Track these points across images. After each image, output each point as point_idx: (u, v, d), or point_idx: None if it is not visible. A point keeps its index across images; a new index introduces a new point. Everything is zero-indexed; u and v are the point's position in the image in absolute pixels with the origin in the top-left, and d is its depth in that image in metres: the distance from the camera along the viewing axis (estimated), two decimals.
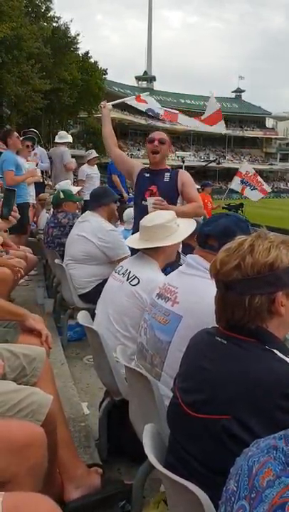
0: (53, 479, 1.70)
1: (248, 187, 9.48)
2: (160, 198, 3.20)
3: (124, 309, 2.21)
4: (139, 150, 69.51)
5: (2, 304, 1.98)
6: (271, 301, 1.14)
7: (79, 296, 3.66)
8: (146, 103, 4.16)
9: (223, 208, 16.03)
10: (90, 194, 4.02)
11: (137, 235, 2.43)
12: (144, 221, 2.32)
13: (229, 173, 78.77)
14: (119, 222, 4.98)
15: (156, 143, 3.43)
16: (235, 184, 9.66)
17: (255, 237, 1.19)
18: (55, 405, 1.54)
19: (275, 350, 1.10)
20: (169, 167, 3.59)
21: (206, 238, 1.79)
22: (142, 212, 3.07)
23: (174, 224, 2.31)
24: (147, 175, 3.51)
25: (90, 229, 3.60)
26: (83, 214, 4.01)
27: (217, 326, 1.24)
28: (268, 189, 10.26)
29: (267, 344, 1.12)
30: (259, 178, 9.65)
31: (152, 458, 1.16)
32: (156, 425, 1.37)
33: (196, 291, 1.68)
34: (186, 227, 2.36)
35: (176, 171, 3.53)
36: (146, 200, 3.27)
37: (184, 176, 3.47)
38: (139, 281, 2.20)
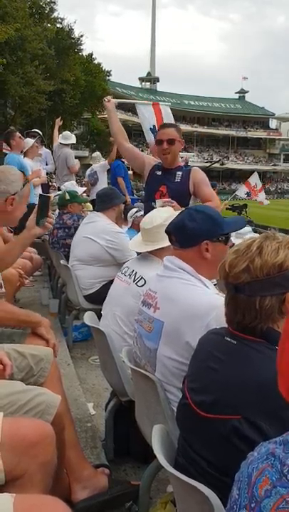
0: (61, 480, 1.70)
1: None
2: (169, 200, 3.06)
3: (131, 310, 2.21)
4: (143, 151, 69.11)
5: (16, 311, 1.97)
6: (281, 302, 1.14)
7: (84, 297, 3.66)
8: (161, 119, 4.06)
9: (227, 208, 16.01)
10: (98, 194, 3.95)
11: (139, 237, 2.42)
12: (144, 223, 2.31)
13: (233, 174, 79.10)
14: (123, 224, 4.98)
15: (165, 145, 3.25)
16: (240, 192, 9.71)
17: (264, 238, 1.19)
18: (62, 406, 1.54)
19: None
20: (182, 164, 3.42)
21: (169, 235, 1.78)
22: None
23: None
24: (159, 173, 3.35)
25: (97, 230, 3.60)
26: (89, 215, 4.01)
27: (226, 326, 1.24)
28: (266, 202, 10.33)
29: (276, 345, 1.12)
30: (262, 192, 9.71)
31: (162, 458, 1.16)
32: (165, 425, 1.37)
33: (173, 295, 1.64)
34: None
35: (189, 170, 3.33)
36: (155, 202, 3.17)
37: (197, 175, 3.29)
38: (145, 282, 2.20)
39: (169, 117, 4.24)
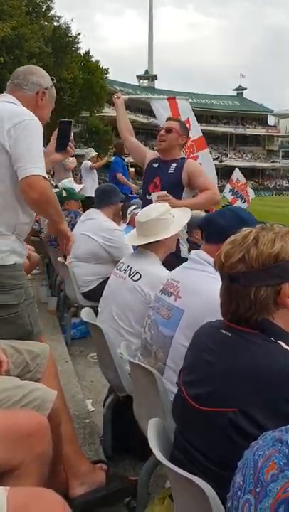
0: (58, 475, 1.70)
1: (239, 199, 9.41)
2: (164, 192, 3.05)
3: (127, 305, 2.21)
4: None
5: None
6: (277, 293, 1.13)
7: (82, 294, 3.66)
8: (178, 114, 4.05)
9: (223, 206, 15.96)
10: (97, 191, 3.97)
11: (135, 231, 2.42)
12: (139, 217, 2.32)
13: (231, 172, 78.42)
14: (122, 221, 4.98)
15: (162, 131, 3.31)
16: (226, 192, 9.62)
17: (260, 229, 1.19)
18: (59, 401, 1.54)
19: (280, 343, 1.10)
20: (179, 158, 3.38)
21: (201, 230, 1.85)
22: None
23: (169, 215, 2.30)
24: (155, 165, 3.36)
25: (94, 228, 3.59)
26: (86, 212, 4.00)
27: (222, 319, 1.23)
28: (252, 196, 10.25)
29: (272, 336, 1.12)
30: (248, 188, 9.59)
31: (157, 452, 1.15)
32: (161, 420, 1.37)
33: (197, 286, 1.69)
34: (182, 218, 2.36)
35: (184, 161, 3.31)
36: (150, 194, 3.17)
37: (190, 166, 3.28)
38: (140, 277, 2.20)
39: (186, 110, 4.21)
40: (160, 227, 2.25)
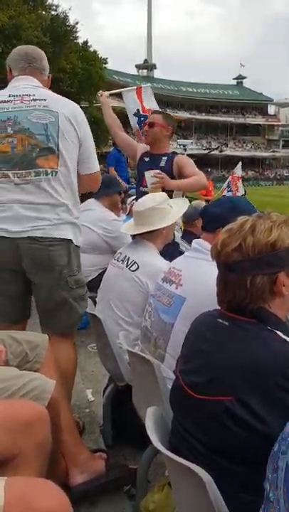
0: (57, 464, 1.71)
1: (227, 188, 9.39)
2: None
3: (125, 295, 2.21)
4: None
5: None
6: (273, 282, 1.13)
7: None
8: (142, 101, 4.01)
9: (224, 196, 15.94)
10: None
11: (132, 221, 2.42)
12: (136, 206, 2.32)
13: (232, 161, 78.51)
14: (121, 212, 4.97)
15: (146, 127, 3.39)
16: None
17: (257, 217, 1.18)
18: (57, 391, 1.54)
19: (277, 331, 1.10)
20: (170, 152, 3.44)
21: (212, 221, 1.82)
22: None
23: (167, 205, 2.30)
24: (147, 159, 3.40)
25: (93, 219, 3.59)
26: (85, 202, 3.99)
27: (219, 308, 1.23)
28: (242, 192, 10.22)
29: (269, 325, 1.12)
30: (240, 183, 9.54)
31: (155, 440, 1.16)
32: (160, 408, 1.37)
33: (199, 274, 1.70)
34: (179, 207, 2.36)
35: (173, 156, 3.37)
36: (144, 187, 3.18)
37: (181, 159, 3.36)
38: (138, 267, 2.20)
39: (148, 97, 4.17)
40: (157, 216, 2.24)
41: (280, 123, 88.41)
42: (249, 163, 78.74)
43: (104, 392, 2.38)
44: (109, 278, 2.39)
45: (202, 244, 1.80)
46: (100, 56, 36.17)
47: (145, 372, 1.65)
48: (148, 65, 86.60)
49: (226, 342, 1.14)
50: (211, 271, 1.26)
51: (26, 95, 1.99)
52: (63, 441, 1.73)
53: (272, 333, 1.09)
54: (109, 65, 40.38)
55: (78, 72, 31.38)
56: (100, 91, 3.87)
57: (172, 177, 3.23)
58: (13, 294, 2.00)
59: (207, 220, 1.86)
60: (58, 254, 1.95)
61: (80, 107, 2.31)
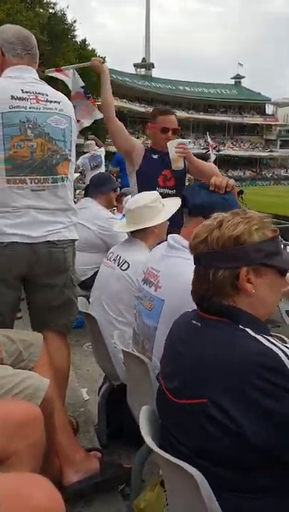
0: (52, 463, 1.71)
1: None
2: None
3: (117, 295, 2.20)
4: (138, 138, 68.87)
5: None
6: (235, 277, 1.13)
7: (78, 283, 3.65)
8: (68, 77, 3.57)
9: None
10: (90, 180, 4.04)
11: (124, 220, 2.41)
12: (128, 204, 2.30)
13: (230, 161, 78.74)
14: (116, 210, 4.97)
15: (170, 134, 3.12)
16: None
17: (231, 213, 1.19)
18: (51, 390, 1.54)
19: (247, 329, 1.09)
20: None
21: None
22: None
23: (159, 203, 2.29)
24: (155, 156, 3.13)
25: (89, 216, 3.59)
26: (81, 200, 4.00)
27: (196, 308, 1.23)
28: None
29: (241, 323, 1.11)
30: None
31: (148, 439, 1.16)
32: (153, 407, 1.37)
33: (175, 273, 1.65)
34: (172, 206, 2.31)
35: None
36: (160, 187, 3.02)
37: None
38: (129, 266, 2.20)
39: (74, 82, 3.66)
40: (149, 215, 2.23)
41: (277, 123, 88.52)
42: (247, 163, 78.88)
43: (99, 391, 2.38)
44: (101, 278, 2.38)
45: (178, 241, 1.73)
46: (98, 55, 36.13)
47: (139, 371, 1.65)
48: (146, 64, 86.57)
49: (197, 343, 1.13)
50: (187, 269, 1.25)
51: (40, 94, 1.94)
52: (57, 440, 1.72)
53: (242, 332, 1.08)
54: (108, 64, 40.30)
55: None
56: (94, 58, 3.34)
57: (185, 172, 3.11)
58: (15, 301, 2.00)
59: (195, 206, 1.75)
60: (69, 255, 2.03)
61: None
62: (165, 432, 1.20)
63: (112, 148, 8.31)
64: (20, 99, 1.87)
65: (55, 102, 1.97)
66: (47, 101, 1.94)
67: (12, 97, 1.85)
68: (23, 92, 1.89)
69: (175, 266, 1.67)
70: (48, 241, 1.92)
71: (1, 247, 1.83)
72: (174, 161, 2.91)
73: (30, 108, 1.88)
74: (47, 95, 1.95)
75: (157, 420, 1.32)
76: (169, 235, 1.80)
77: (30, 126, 1.86)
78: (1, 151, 1.81)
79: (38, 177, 1.88)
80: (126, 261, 2.22)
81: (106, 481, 1.86)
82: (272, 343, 1.05)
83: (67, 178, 1.98)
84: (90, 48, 35.51)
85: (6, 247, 1.83)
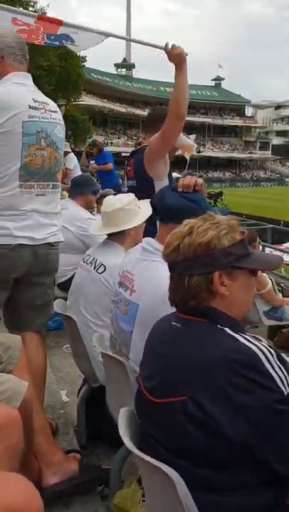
0: (30, 466, 1.71)
1: None
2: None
3: (93, 298, 2.20)
4: (119, 138, 69.03)
5: None
6: (210, 281, 1.16)
7: (58, 284, 3.63)
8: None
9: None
10: (72, 181, 4.08)
11: (100, 222, 2.41)
12: (104, 206, 2.31)
13: (209, 162, 79.24)
14: (96, 211, 4.97)
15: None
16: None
17: (200, 219, 1.21)
18: (30, 392, 1.54)
19: (226, 329, 1.12)
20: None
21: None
22: None
23: (135, 206, 2.30)
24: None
25: (68, 218, 3.57)
26: (61, 201, 3.99)
27: (175, 311, 1.25)
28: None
29: (219, 323, 1.14)
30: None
31: (127, 440, 1.17)
32: (132, 409, 1.38)
33: (150, 277, 1.66)
34: (148, 208, 2.32)
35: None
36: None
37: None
38: (105, 269, 2.20)
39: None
40: (125, 217, 2.24)
41: (257, 125, 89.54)
42: (226, 164, 79.45)
43: (78, 393, 2.38)
44: (77, 281, 2.38)
45: (152, 244, 1.74)
46: (78, 54, 35.94)
47: (118, 373, 1.66)
48: (127, 64, 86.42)
49: (177, 344, 1.16)
50: (161, 273, 1.27)
51: (45, 104, 2.03)
52: (36, 442, 1.72)
53: (220, 331, 1.11)
54: (88, 64, 40.16)
55: (56, 70, 31.06)
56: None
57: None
58: (3, 301, 2.06)
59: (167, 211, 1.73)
60: (58, 256, 2.16)
61: (58, 105, 2.33)
62: (144, 433, 1.22)
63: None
64: (34, 108, 1.96)
65: (55, 111, 2.07)
66: (50, 111, 2.03)
67: (29, 107, 1.93)
68: (34, 102, 1.97)
69: (149, 270, 1.68)
70: (48, 243, 2.02)
71: (8, 249, 1.90)
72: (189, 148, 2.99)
73: (42, 118, 1.98)
74: (48, 104, 2.04)
75: (136, 421, 1.34)
76: (144, 239, 1.82)
77: (44, 136, 1.97)
78: (18, 158, 1.90)
79: (42, 183, 2.00)
80: (102, 264, 2.22)
81: (85, 482, 1.86)
82: (248, 340, 1.08)
83: (59, 184, 2.12)
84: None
85: (14, 249, 1.91)
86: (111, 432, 2.10)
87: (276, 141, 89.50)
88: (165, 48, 2.59)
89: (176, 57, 2.59)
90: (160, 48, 2.64)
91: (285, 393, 1.03)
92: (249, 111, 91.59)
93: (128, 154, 3.44)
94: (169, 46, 2.57)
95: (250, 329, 4.20)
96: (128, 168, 3.16)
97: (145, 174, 2.82)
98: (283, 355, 2.10)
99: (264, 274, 3.99)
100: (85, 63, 37.71)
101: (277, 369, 1.04)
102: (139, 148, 3.05)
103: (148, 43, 2.80)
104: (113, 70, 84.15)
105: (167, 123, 2.65)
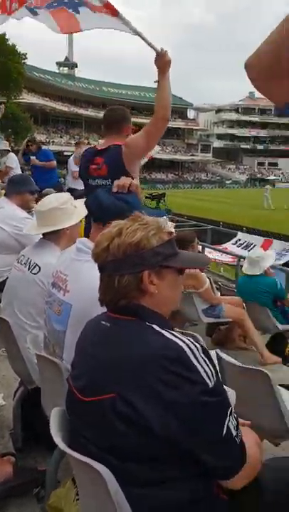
0: None
1: None
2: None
3: (28, 299, 2.18)
4: (61, 137, 68.08)
5: None
6: (139, 280, 1.19)
7: None
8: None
9: (146, 197, 16.28)
10: (9, 180, 3.97)
11: (35, 222, 2.38)
12: (39, 206, 2.30)
13: (153, 164, 79.68)
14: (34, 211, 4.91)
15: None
16: None
17: (129, 220, 1.24)
18: None
19: (154, 326, 1.15)
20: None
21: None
22: None
23: (70, 205, 2.29)
24: None
25: (3, 217, 3.50)
26: None
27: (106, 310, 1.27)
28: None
29: (148, 320, 1.17)
30: None
31: (58, 439, 1.18)
32: (65, 409, 1.38)
33: (83, 278, 1.66)
34: (84, 207, 2.34)
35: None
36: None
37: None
38: (40, 269, 2.18)
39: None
40: (61, 217, 2.23)
41: (198, 127, 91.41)
42: (169, 166, 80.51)
43: (15, 395, 2.34)
44: (11, 282, 2.33)
45: (86, 244, 1.74)
46: (18, 51, 35.09)
47: (52, 374, 1.66)
48: (69, 63, 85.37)
49: (107, 343, 1.18)
50: (94, 273, 1.28)
51: None
52: None
53: (148, 328, 1.14)
54: (29, 61, 39.28)
55: None
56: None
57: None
58: None
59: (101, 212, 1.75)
60: None
61: None
62: (75, 432, 1.22)
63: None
64: None
65: None
66: None
67: None
68: None
69: (83, 270, 1.68)
70: None
71: None
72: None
73: None
74: None
75: (69, 421, 1.34)
76: (78, 239, 1.83)
77: None
78: None
79: None
80: (37, 264, 2.20)
81: (20, 484, 1.85)
82: (176, 336, 1.12)
83: None
84: (10, 43, 34.32)
85: None
86: (47, 433, 2.10)
87: (217, 143, 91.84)
88: (160, 52, 2.82)
89: (166, 63, 2.83)
90: (156, 49, 2.87)
91: (210, 385, 1.06)
92: (191, 114, 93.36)
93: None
94: (163, 51, 2.81)
95: (189, 327, 4.30)
96: (93, 166, 3.04)
97: (124, 173, 2.80)
98: (219, 351, 2.18)
99: (202, 274, 4.09)
100: (25, 60, 36.90)
101: (203, 363, 1.08)
102: (107, 147, 3.00)
103: (148, 41, 2.97)
104: (55, 69, 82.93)
105: (152, 126, 2.79)
